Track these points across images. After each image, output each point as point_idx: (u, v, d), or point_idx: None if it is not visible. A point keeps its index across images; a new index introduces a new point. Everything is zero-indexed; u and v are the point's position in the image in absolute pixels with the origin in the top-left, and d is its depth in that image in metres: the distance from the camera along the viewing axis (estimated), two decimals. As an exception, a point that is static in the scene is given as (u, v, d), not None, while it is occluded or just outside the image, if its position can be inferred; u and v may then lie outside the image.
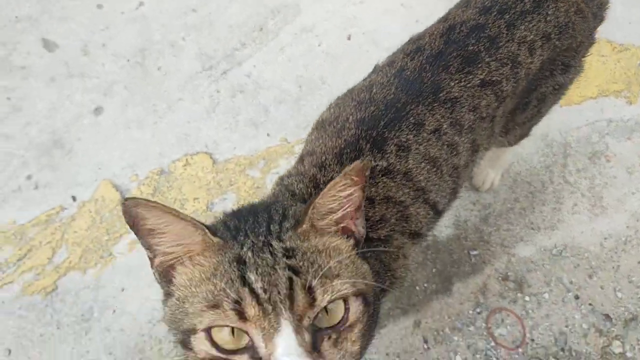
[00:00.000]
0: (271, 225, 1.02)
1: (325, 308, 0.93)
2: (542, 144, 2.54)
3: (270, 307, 0.89)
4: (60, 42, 2.71)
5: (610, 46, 2.85)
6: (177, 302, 0.98)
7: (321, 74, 2.68)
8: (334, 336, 0.94)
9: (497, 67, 1.41)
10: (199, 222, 0.95)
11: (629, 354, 2.11)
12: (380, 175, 1.32)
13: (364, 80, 1.52)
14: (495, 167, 2.33)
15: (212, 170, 2.36)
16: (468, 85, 1.39)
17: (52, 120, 2.50)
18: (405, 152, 1.33)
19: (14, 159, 2.40)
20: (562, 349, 2.10)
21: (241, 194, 2.30)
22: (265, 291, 0.90)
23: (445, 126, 1.37)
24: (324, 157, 1.33)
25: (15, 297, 2.11)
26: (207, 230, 0.96)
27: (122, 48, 2.70)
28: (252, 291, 0.90)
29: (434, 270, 2.21)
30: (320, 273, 0.93)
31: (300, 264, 0.94)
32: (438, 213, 1.50)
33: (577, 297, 2.21)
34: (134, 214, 0.92)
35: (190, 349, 0.95)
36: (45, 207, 2.28)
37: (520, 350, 2.09)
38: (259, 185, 2.33)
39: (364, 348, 1.05)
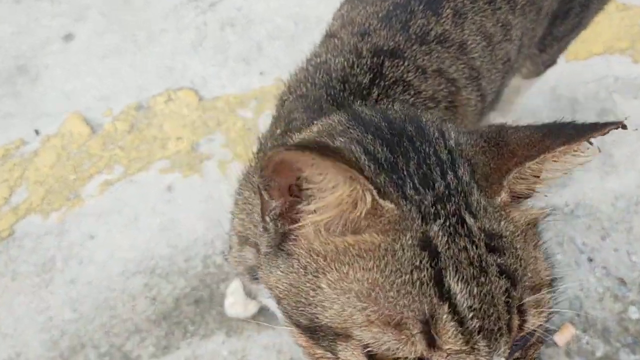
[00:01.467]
0: (448, 173, 0.61)
1: None
2: (550, 97, 2.17)
3: (482, 342, 0.54)
4: (27, -39, 2.17)
5: (614, 4, 2.48)
6: (303, 272, 0.60)
7: (317, 14, 2.21)
8: (518, 356, 0.61)
9: None
10: (371, 175, 0.56)
11: (646, 321, 1.76)
12: (434, 42, 1.01)
13: None
14: (507, 115, 1.94)
15: (197, 107, 1.89)
16: None
17: (16, 44, 1.99)
18: (461, 20, 1.05)
19: (-31, 85, 1.89)
20: (578, 314, 1.74)
21: (230, 135, 1.84)
22: (475, 314, 0.54)
23: None
24: (367, 24, 1.00)
25: (-37, 241, 1.63)
26: (376, 193, 0.55)
27: (98, -29, 2.18)
28: (456, 312, 0.53)
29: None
30: (532, 284, 0.59)
31: (512, 265, 0.58)
32: (482, 111, 1.19)
33: (590, 260, 1.85)
34: (282, 166, 0.54)
35: (323, 347, 0.59)
36: (4, 140, 1.79)
37: (533, 315, 1.72)
38: (250, 126, 1.87)
39: None
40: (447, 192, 0.60)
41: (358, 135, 0.65)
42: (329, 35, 1.09)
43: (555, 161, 0.62)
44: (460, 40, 1.05)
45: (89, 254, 1.63)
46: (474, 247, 0.57)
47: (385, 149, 0.62)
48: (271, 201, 0.61)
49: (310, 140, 0.60)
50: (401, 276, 0.55)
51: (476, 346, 0.54)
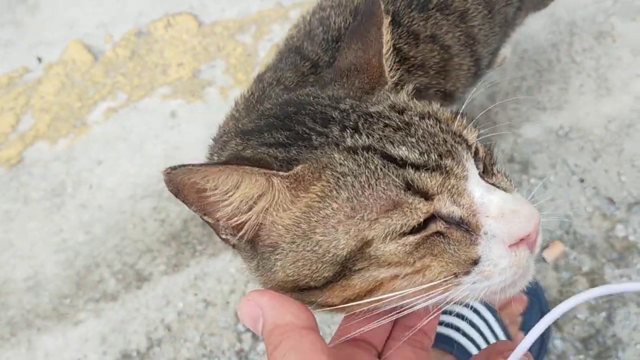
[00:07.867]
0: (336, 109, 0.68)
1: None
2: (548, 21, 2.10)
3: (449, 161, 0.59)
4: None
5: None
6: (291, 246, 0.61)
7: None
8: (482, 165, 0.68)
9: None
10: (262, 161, 0.60)
11: (631, 238, 1.79)
12: (434, 9, 0.99)
13: None
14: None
15: (197, 33, 1.84)
16: None
17: (11, -29, 1.90)
18: None
19: (-32, 13, 1.82)
20: (567, 232, 1.77)
21: (231, 61, 1.80)
22: (427, 152, 0.60)
23: None
24: None
25: (-26, 168, 1.62)
26: (272, 169, 0.60)
27: None
28: (415, 165, 0.58)
29: (438, 149, 1.80)
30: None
31: (423, 109, 0.67)
32: (477, 73, 1.17)
33: (581, 180, 1.85)
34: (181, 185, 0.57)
35: (359, 269, 0.59)
36: (7, 68, 1.75)
37: (525, 233, 1.74)
38: (250, 52, 1.82)
39: None
40: (342, 116, 0.65)
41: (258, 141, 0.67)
42: None
43: None
44: (462, 9, 1.02)
45: (98, 180, 1.63)
46: (388, 120, 0.63)
47: (282, 132, 0.66)
48: (218, 222, 0.63)
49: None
50: (361, 178, 0.59)
51: (447, 168, 0.59)
